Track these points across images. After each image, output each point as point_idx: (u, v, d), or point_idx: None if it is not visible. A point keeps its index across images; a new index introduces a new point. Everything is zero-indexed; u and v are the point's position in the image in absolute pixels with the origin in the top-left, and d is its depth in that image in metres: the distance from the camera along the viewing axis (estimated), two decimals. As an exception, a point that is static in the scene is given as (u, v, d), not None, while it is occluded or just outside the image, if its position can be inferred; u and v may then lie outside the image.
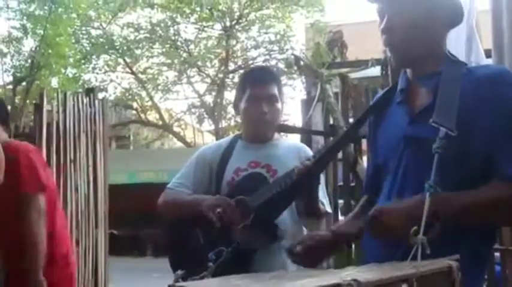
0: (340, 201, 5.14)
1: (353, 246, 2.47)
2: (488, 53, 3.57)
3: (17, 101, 17.00)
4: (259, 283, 1.32)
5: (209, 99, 22.01)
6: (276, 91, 2.57)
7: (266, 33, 20.58)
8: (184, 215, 2.53)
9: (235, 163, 2.57)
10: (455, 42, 3.60)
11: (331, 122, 5.10)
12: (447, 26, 1.75)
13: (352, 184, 4.98)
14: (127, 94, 22.16)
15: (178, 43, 21.13)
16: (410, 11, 1.68)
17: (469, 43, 3.69)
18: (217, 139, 20.62)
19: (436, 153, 1.48)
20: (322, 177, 2.55)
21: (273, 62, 20.26)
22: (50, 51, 16.01)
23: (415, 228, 1.36)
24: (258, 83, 2.56)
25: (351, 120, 4.90)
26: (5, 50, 17.24)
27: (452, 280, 1.25)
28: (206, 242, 2.40)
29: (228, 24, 20.63)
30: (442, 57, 1.73)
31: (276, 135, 2.66)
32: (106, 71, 21.78)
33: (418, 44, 1.70)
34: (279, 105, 2.58)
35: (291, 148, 2.60)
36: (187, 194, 2.59)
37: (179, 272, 2.28)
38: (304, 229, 2.60)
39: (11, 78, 17.35)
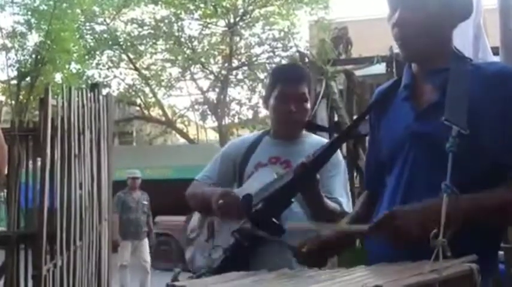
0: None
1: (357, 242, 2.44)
2: (495, 51, 3.56)
3: (21, 96, 17.02)
4: (255, 283, 1.32)
5: (212, 96, 22.02)
6: (305, 90, 2.54)
7: (270, 30, 20.55)
8: (201, 208, 2.55)
9: (257, 157, 2.56)
10: (461, 39, 3.59)
11: (336, 118, 5.10)
12: (457, 21, 1.72)
13: (357, 186, 4.99)
14: (130, 90, 22.14)
15: (182, 39, 21.10)
16: (424, 6, 1.64)
17: (477, 41, 3.68)
18: (220, 136, 20.69)
19: (450, 152, 1.46)
20: (344, 175, 2.54)
21: (277, 59, 20.24)
22: (54, 46, 16.02)
23: (435, 231, 1.34)
24: (289, 82, 2.54)
25: (355, 117, 4.90)
26: (10, 44, 17.25)
27: (474, 283, 1.24)
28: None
29: (232, 21, 20.60)
30: (449, 53, 1.71)
31: (304, 132, 2.64)
32: (109, 67, 21.75)
33: (429, 39, 1.66)
34: (308, 104, 2.55)
35: (314, 145, 2.55)
36: (209, 185, 2.60)
37: (177, 269, 2.28)
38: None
39: (15, 73, 17.35)
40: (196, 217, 2.61)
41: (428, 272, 1.20)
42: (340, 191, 2.46)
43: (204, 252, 2.43)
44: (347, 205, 2.46)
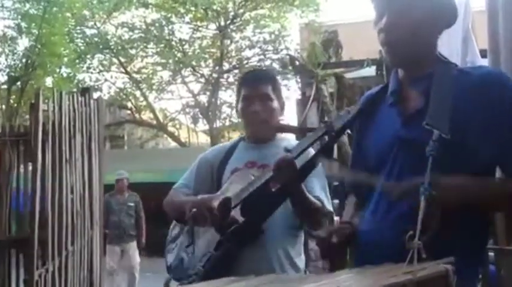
0: (336, 201, 5.15)
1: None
2: (483, 53, 3.59)
3: (11, 101, 16.95)
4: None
5: (204, 99, 22.00)
6: (268, 90, 2.56)
7: (261, 33, 20.56)
8: (177, 216, 2.56)
9: (234, 163, 2.58)
10: (448, 43, 3.62)
11: (327, 122, 5.11)
12: (443, 28, 1.73)
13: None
14: (121, 94, 22.09)
15: (173, 43, 21.08)
16: (411, 11, 1.65)
17: (465, 43, 3.71)
18: (211, 139, 20.68)
19: (430, 156, 1.47)
20: (323, 177, 2.53)
21: (268, 62, 20.26)
22: (44, 50, 15.95)
23: (410, 232, 1.35)
24: (251, 83, 2.59)
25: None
26: (0, 49, 17.17)
27: (449, 284, 1.25)
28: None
29: (222, 24, 20.60)
30: (434, 58, 1.72)
31: (280, 135, 2.65)
32: (100, 71, 21.69)
33: (415, 45, 1.67)
34: (274, 104, 2.57)
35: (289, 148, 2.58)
36: (186, 194, 2.61)
37: (167, 276, 2.29)
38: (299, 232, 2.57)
39: (5, 78, 17.28)
40: (177, 225, 2.61)
41: (403, 274, 1.22)
42: (319, 191, 2.48)
43: (185, 258, 2.43)
44: (328, 205, 2.48)
